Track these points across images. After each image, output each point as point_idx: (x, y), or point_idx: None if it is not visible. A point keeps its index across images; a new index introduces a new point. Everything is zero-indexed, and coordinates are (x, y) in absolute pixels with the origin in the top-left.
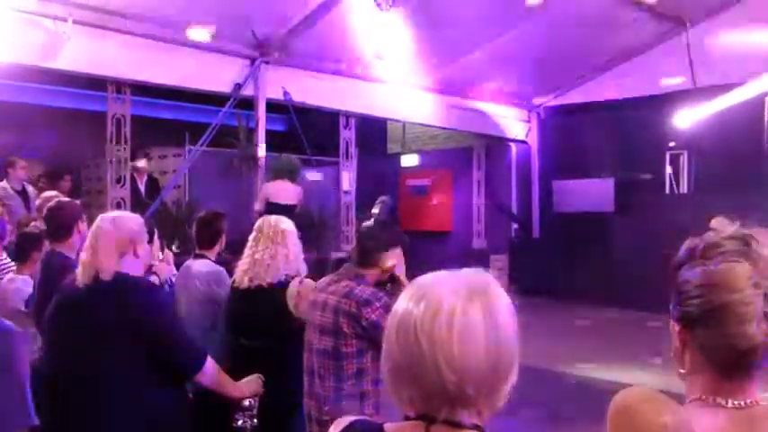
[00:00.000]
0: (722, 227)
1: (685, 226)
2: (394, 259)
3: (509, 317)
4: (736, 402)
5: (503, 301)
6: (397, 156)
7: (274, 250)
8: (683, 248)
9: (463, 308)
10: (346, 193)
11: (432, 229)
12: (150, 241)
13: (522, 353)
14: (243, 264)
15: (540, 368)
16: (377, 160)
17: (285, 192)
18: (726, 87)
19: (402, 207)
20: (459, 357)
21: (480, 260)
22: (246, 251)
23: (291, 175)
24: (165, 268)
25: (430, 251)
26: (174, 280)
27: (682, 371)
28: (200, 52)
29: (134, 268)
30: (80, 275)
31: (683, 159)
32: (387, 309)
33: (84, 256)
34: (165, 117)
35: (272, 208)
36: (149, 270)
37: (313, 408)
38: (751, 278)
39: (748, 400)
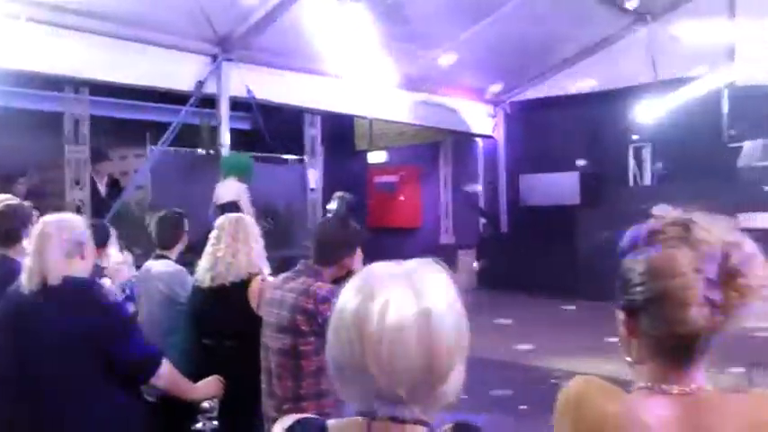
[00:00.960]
0: (664, 213)
1: (648, 217)
2: (357, 256)
3: (450, 314)
4: (681, 389)
5: (442, 297)
6: (364, 153)
7: (235, 248)
8: (626, 236)
9: (396, 306)
10: (312, 190)
11: (400, 226)
12: (105, 243)
13: (484, 346)
14: (204, 262)
15: (506, 360)
16: (344, 157)
17: (227, 191)
18: (686, 80)
19: (370, 204)
20: (387, 358)
21: (448, 256)
22: (208, 249)
23: (241, 173)
24: (119, 271)
25: (398, 247)
26: (133, 281)
27: (628, 359)
28: (160, 50)
29: (81, 271)
30: (26, 281)
31: (646, 151)
32: None
33: (29, 260)
34: (126, 117)
35: (218, 210)
36: (101, 273)
37: (271, 408)
38: (691, 263)
39: (694, 386)
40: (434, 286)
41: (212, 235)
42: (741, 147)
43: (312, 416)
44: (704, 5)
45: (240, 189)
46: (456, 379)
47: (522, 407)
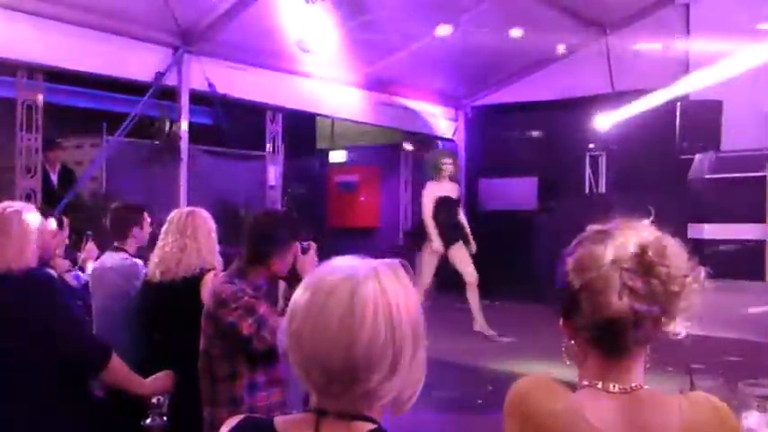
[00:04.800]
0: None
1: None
2: (290, 256)
3: (385, 309)
4: (621, 387)
5: (377, 294)
6: (325, 151)
7: (183, 243)
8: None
9: (324, 298)
10: (272, 188)
11: (359, 226)
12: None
13: (440, 348)
14: (154, 256)
15: (460, 363)
16: (305, 156)
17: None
18: (642, 92)
19: (330, 203)
20: (311, 350)
21: (407, 256)
22: (158, 243)
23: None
24: (63, 262)
25: (357, 247)
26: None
27: (568, 363)
28: (119, 38)
29: (32, 261)
30: None
31: (602, 161)
32: (248, 310)
33: None
34: (82, 105)
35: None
36: (47, 263)
37: (205, 409)
38: (609, 256)
39: (633, 384)
40: (370, 281)
41: (162, 229)
42: (692, 159)
43: (258, 415)
44: (661, 21)
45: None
46: (404, 377)
47: (470, 407)
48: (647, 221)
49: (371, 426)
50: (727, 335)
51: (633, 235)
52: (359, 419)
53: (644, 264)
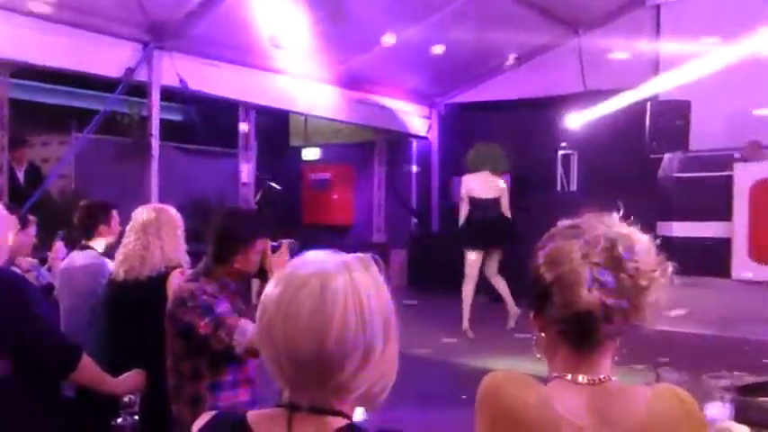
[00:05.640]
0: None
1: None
2: (254, 254)
3: (355, 302)
4: (589, 378)
5: (347, 287)
6: (298, 149)
7: (147, 241)
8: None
9: (295, 291)
10: (245, 185)
11: (333, 223)
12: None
13: (414, 344)
14: (118, 254)
15: (434, 359)
16: (278, 153)
17: (484, 184)
18: (613, 92)
19: (303, 200)
20: (283, 343)
21: (380, 254)
22: (123, 241)
23: (496, 165)
24: (24, 260)
25: (331, 245)
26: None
27: (539, 355)
28: (88, 33)
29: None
30: None
31: (573, 159)
32: (205, 309)
33: None
34: (50, 102)
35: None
36: (12, 261)
37: (172, 407)
38: (579, 251)
39: (601, 376)
40: (339, 274)
41: (127, 227)
42: (661, 158)
43: (229, 412)
44: (632, 22)
45: (502, 183)
46: (375, 370)
47: (444, 401)
48: (616, 217)
49: (344, 421)
50: (692, 330)
51: (603, 230)
52: (331, 414)
53: (613, 258)
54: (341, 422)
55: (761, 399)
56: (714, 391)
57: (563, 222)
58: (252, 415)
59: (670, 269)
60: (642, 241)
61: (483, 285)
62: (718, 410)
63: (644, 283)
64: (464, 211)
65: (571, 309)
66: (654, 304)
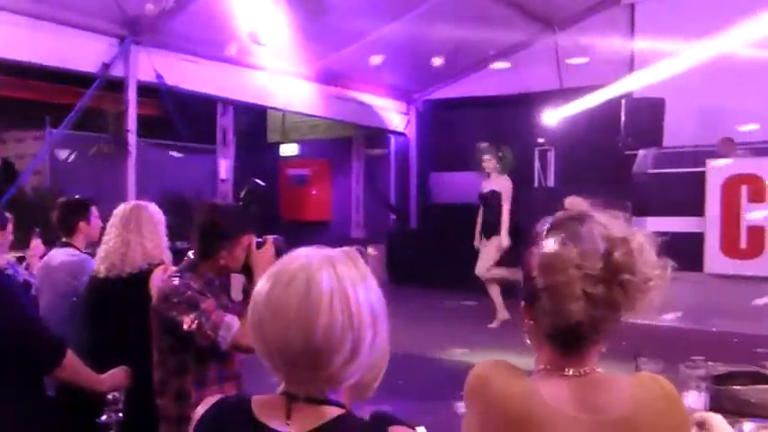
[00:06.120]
0: (574, 205)
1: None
2: (239, 250)
3: (341, 295)
4: (575, 371)
5: (332, 281)
6: (276, 145)
7: (127, 238)
8: (536, 226)
9: (283, 287)
10: (223, 181)
11: (311, 219)
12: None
13: (396, 340)
14: (100, 251)
15: (415, 354)
16: (256, 149)
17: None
18: (589, 89)
19: (282, 196)
20: (273, 338)
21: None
22: (103, 238)
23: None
24: (1, 258)
25: (309, 241)
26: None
27: (528, 342)
28: (63, 28)
29: None
30: None
31: (551, 155)
32: (190, 305)
33: None
34: (24, 97)
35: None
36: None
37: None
38: (574, 260)
39: (587, 368)
40: (324, 267)
41: (108, 224)
42: (636, 154)
43: (234, 396)
44: (607, 20)
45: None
46: (366, 361)
47: (421, 394)
48: (614, 214)
49: (340, 410)
50: (667, 323)
51: (601, 233)
52: (327, 404)
53: (609, 269)
54: (337, 411)
55: (734, 387)
56: (690, 381)
57: (563, 214)
58: (256, 400)
59: (669, 269)
60: (642, 243)
61: (455, 282)
62: (694, 399)
63: (638, 293)
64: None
65: (559, 320)
66: (649, 304)
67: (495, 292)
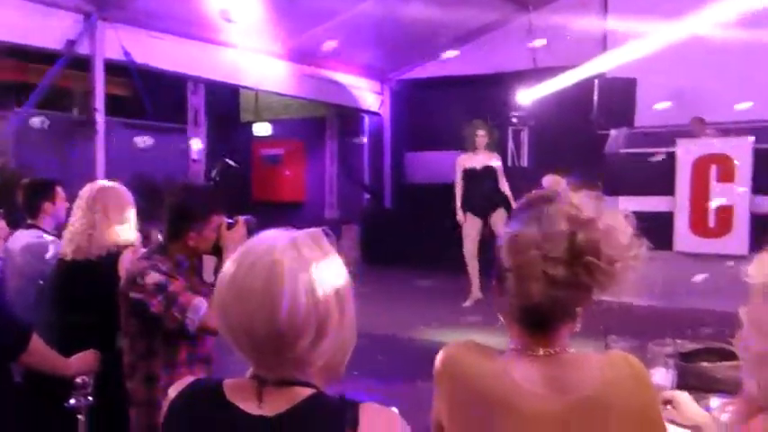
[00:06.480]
0: (552, 185)
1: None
2: (209, 231)
3: (304, 277)
4: (546, 350)
5: (295, 263)
6: (249, 124)
7: (92, 219)
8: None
9: (247, 270)
10: (195, 161)
11: (284, 200)
12: None
13: (370, 320)
14: (66, 234)
15: (389, 335)
16: (229, 128)
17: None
18: (562, 69)
19: (255, 176)
20: (237, 321)
21: (332, 230)
22: (70, 220)
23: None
24: None
25: (282, 221)
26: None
27: (501, 319)
28: (25, 3)
29: None
30: None
31: (524, 135)
32: (157, 287)
33: None
34: None
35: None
36: None
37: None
38: (536, 241)
39: (558, 348)
40: (287, 250)
41: (74, 205)
42: (608, 134)
43: (207, 378)
44: (580, 0)
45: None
46: (333, 342)
47: (395, 375)
48: (586, 195)
49: (311, 390)
50: (637, 301)
51: (567, 214)
52: (298, 385)
53: (572, 251)
54: (308, 391)
55: (701, 364)
56: (658, 358)
57: (538, 191)
58: (228, 383)
59: (641, 251)
60: (609, 225)
61: (431, 261)
62: (662, 376)
63: (604, 275)
64: None
65: (522, 301)
66: (619, 285)
67: (474, 270)
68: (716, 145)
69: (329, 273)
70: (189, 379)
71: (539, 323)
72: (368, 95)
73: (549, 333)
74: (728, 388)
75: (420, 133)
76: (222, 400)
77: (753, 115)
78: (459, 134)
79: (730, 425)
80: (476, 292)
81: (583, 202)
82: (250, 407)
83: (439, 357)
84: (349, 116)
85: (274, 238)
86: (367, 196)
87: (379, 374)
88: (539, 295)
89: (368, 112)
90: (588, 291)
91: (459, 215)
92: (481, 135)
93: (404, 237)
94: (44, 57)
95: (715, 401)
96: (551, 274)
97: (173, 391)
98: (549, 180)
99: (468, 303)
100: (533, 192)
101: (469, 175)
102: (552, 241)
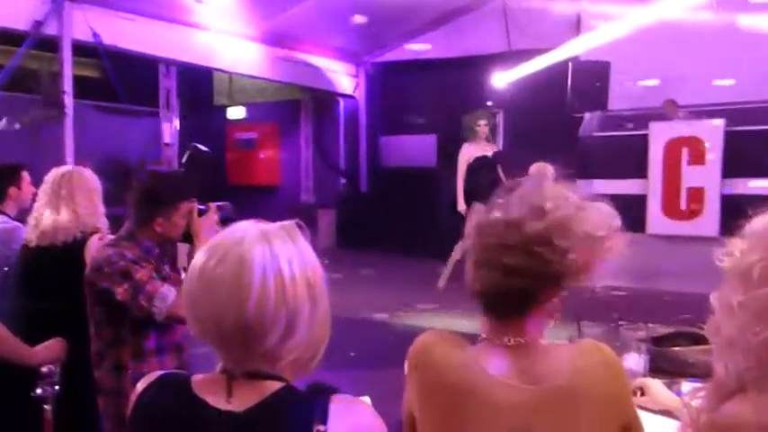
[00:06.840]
0: (539, 171)
1: (499, 180)
2: (178, 217)
3: (275, 271)
4: (516, 340)
5: (266, 256)
6: (223, 108)
7: (57, 205)
8: None
9: (216, 262)
10: (167, 145)
11: (259, 184)
12: None
13: (346, 305)
14: (30, 219)
15: (365, 319)
16: (202, 112)
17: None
18: (537, 52)
19: (229, 160)
20: (205, 313)
21: (308, 214)
22: (35, 205)
23: None
24: None
25: (257, 206)
26: None
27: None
28: None
29: None
30: None
31: (499, 118)
32: (123, 275)
33: None
34: None
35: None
36: None
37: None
38: (497, 230)
39: (528, 338)
40: (255, 242)
41: (39, 190)
42: (582, 117)
43: (177, 371)
44: None
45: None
46: (303, 337)
47: (370, 361)
48: (556, 184)
49: (280, 384)
50: (610, 283)
51: (532, 202)
52: (268, 378)
53: (531, 240)
54: (278, 385)
55: (672, 348)
56: (631, 342)
57: (511, 181)
58: (197, 378)
59: (613, 240)
60: (567, 215)
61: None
62: (634, 361)
63: (557, 265)
64: None
65: (481, 287)
66: (581, 274)
67: (456, 255)
68: (687, 128)
69: (301, 267)
70: (157, 373)
71: (502, 312)
72: (343, 78)
73: (515, 322)
74: (700, 372)
75: (395, 117)
76: (190, 394)
77: (725, 97)
78: (434, 118)
79: (701, 410)
80: (446, 274)
81: (554, 190)
82: (219, 401)
83: (413, 346)
84: (324, 100)
85: (246, 230)
86: (343, 180)
87: (355, 361)
88: (498, 284)
89: (343, 95)
90: (552, 280)
91: (462, 205)
92: (483, 125)
93: (379, 220)
94: (11, 38)
95: (686, 386)
96: (506, 262)
97: (140, 386)
98: (537, 167)
99: (441, 284)
100: (511, 179)
101: (479, 163)
102: (510, 230)
